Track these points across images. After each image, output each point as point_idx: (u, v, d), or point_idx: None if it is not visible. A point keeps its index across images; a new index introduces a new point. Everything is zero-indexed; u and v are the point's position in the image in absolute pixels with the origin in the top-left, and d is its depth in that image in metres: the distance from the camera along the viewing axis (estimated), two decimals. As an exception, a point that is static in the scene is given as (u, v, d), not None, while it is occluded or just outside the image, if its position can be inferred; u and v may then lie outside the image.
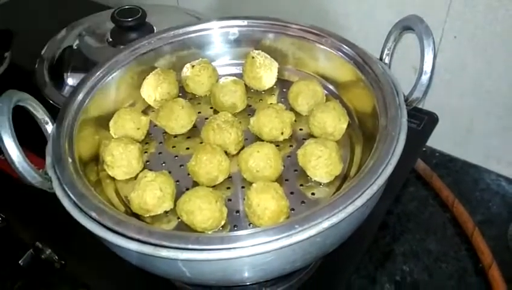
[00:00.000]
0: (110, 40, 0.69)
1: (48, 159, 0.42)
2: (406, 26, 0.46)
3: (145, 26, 0.67)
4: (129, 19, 0.65)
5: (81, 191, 0.39)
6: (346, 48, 0.50)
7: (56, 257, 0.56)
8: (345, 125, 0.48)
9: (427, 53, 0.42)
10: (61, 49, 0.74)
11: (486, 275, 0.57)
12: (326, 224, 0.34)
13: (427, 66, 0.42)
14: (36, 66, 0.72)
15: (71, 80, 0.68)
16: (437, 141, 0.71)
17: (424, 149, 0.73)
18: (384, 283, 0.58)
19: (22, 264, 0.57)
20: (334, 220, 0.34)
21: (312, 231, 0.34)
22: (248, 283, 0.40)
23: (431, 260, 0.60)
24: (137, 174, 0.46)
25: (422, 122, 0.64)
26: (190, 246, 0.33)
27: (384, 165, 0.38)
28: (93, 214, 0.36)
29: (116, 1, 0.97)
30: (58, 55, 0.73)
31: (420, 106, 0.69)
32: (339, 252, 0.49)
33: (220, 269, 0.36)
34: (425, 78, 0.42)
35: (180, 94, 0.57)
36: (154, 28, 0.68)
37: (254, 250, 0.33)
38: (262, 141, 0.48)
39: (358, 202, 0.35)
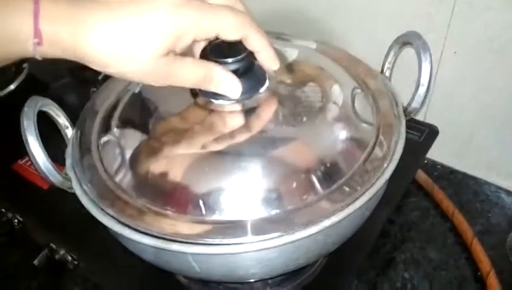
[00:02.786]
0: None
1: (68, 161, 0.45)
2: (405, 41, 0.48)
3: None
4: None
5: (99, 190, 0.41)
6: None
7: (70, 258, 0.59)
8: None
9: (424, 66, 0.45)
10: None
11: (484, 282, 0.58)
12: (327, 223, 0.37)
13: (424, 79, 0.45)
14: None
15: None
16: (438, 153, 0.73)
17: (426, 161, 0.75)
18: (385, 289, 0.60)
19: (36, 264, 0.59)
20: (335, 219, 0.37)
21: (314, 229, 0.36)
22: (254, 280, 0.42)
23: (431, 267, 0.62)
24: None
25: (423, 134, 0.66)
26: (199, 241, 0.36)
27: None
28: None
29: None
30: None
31: (422, 119, 0.72)
32: (342, 257, 0.52)
33: (226, 264, 0.38)
34: (422, 89, 0.45)
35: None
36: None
37: (259, 246, 0.36)
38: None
39: (358, 203, 0.38)
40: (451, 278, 0.60)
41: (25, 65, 0.83)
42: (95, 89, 0.76)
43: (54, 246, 0.59)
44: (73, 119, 0.49)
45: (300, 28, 0.78)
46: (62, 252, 0.59)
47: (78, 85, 0.84)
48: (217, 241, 0.36)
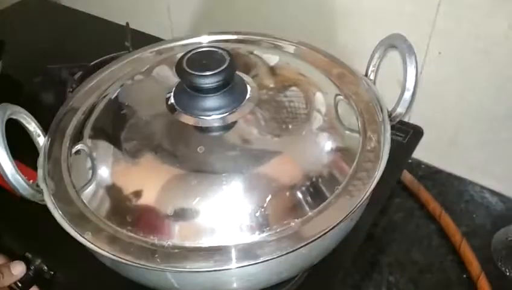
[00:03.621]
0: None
1: (40, 172, 0.43)
2: (390, 44, 0.47)
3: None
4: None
5: (72, 203, 0.39)
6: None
7: (46, 267, 0.56)
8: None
9: (409, 70, 0.43)
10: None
11: (475, 285, 0.58)
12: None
13: (410, 83, 0.43)
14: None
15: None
16: (423, 153, 0.73)
17: (410, 161, 0.74)
18: (370, 293, 0.59)
19: (11, 274, 0.57)
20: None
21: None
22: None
23: (416, 270, 0.61)
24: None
25: (408, 135, 0.65)
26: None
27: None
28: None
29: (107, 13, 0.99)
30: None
31: (406, 120, 0.71)
32: (326, 262, 0.50)
33: (207, 280, 0.37)
34: (408, 94, 0.44)
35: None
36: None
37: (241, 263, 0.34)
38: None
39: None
40: (437, 281, 0.60)
41: (-2, 64, 0.80)
42: (71, 89, 0.74)
43: (29, 256, 0.57)
44: (49, 121, 0.47)
45: (283, 26, 0.76)
46: (38, 261, 0.57)
47: (54, 85, 0.81)
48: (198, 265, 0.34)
